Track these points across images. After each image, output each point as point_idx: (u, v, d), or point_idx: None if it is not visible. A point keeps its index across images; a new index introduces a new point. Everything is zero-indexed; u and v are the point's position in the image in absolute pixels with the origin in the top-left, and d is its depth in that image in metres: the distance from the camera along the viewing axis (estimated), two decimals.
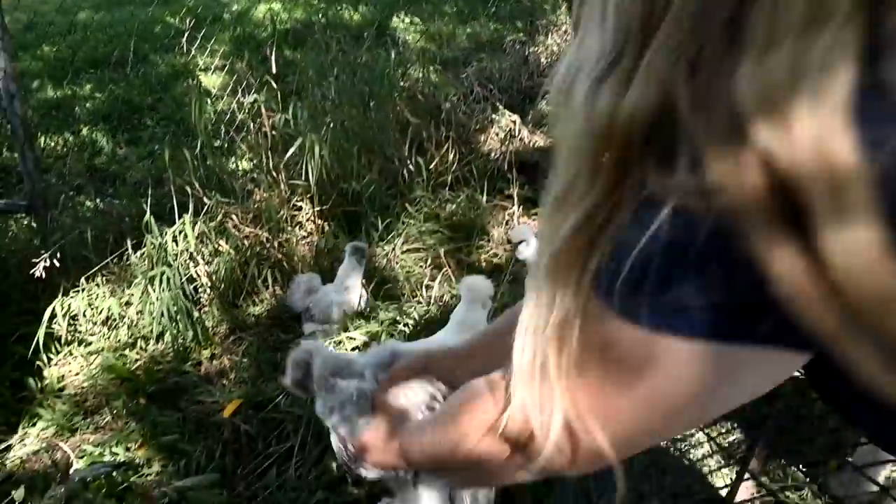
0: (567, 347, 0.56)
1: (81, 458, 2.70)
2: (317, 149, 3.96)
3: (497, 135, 4.99)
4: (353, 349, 3.12)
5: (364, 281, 3.40)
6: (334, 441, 1.29)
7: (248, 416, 2.91)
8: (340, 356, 1.29)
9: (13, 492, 2.43)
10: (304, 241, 4.06)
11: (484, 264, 3.88)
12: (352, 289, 3.31)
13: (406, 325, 3.21)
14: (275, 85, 4.32)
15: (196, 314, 3.50)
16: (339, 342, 3.13)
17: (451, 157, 4.45)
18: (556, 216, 0.55)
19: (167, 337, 3.42)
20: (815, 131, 0.35)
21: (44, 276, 3.12)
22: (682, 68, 0.42)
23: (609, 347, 0.54)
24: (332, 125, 4.15)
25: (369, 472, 1.11)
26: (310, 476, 2.60)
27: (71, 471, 1.79)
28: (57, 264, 3.26)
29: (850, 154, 0.34)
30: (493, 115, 5.13)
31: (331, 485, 2.57)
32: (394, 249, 3.86)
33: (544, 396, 0.59)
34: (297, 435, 2.75)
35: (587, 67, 0.48)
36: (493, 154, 4.83)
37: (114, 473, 1.76)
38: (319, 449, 2.70)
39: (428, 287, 3.54)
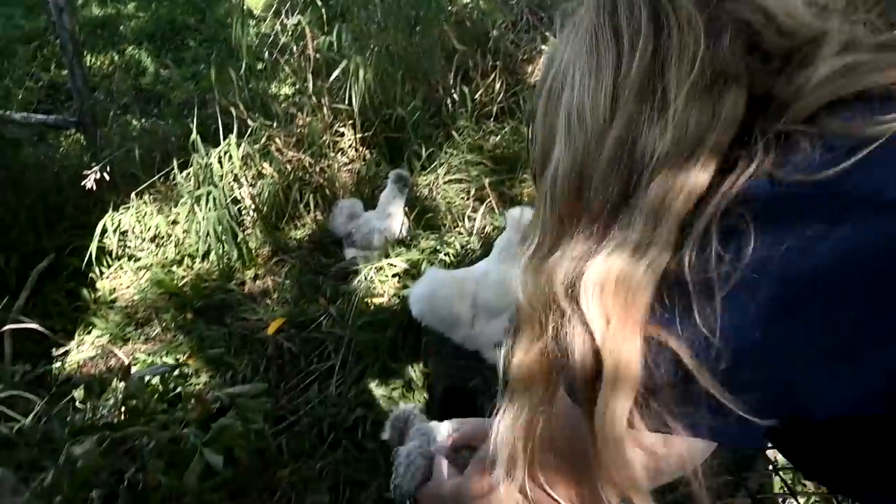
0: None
1: (135, 364, 2.83)
2: (361, 73, 3.88)
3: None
4: (393, 276, 3.14)
5: (406, 209, 3.39)
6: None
7: (290, 334, 3.00)
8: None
9: (73, 392, 2.58)
10: (345, 168, 4.04)
11: (526, 198, 3.81)
12: (394, 216, 3.30)
13: (447, 254, 3.21)
14: (319, 5, 4.21)
15: (240, 235, 3.57)
16: (380, 268, 3.16)
17: (497, 87, 4.31)
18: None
19: (212, 256, 3.50)
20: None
21: (94, 189, 3.18)
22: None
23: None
24: (376, 49, 4.04)
25: None
26: (349, 394, 2.68)
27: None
28: (107, 178, 3.32)
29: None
30: (542, 46, 4.92)
31: (369, 403, 2.65)
32: (436, 179, 3.82)
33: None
34: (338, 355, 2.83)
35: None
36: None
37: (172, 373, 1.83)
38: (359, 369, 2.77)
39: (470, 218, 3.51)
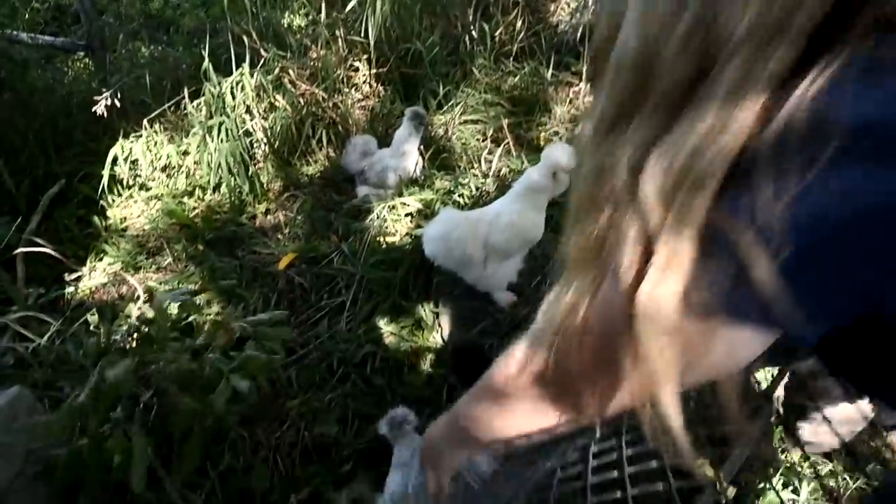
0: None
1: (152, 291, 2.84)
2: (377, 4, 3.74)
3: (568, 5, 4.62)
4: (406, 215, 3.11)
5: (421, 148, 3.33)
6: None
7: (301, 270, 3.00)
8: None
9: (87, 315, 2.61)
10: (359, 104, 3.95)
11: (543, 142, 3.74)
12: (408, 155, 3.25)
13: (461, 195, 3.17)
14: None
15: (252, 168, 3.52)
16: (393, 207, 3.13)
17: (518, 25, 4.16)
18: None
19: (224, 188, 3.47)
20: None
21: (105, 115, 3.12)
22: None
23: None
24: None
25: None
26: (359, 331, 2.70)
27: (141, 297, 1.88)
28: (117, 104, 3.26)
29: None
30: None
31: (378, 341, 2.67)
32: (452, 119, 3.73)
33: None
34: (349, 292, 2.83)
35: None
36: (562, 26, 4.50)
37: (193, 300, 1.83)
38: (370, 307, 2.78)
39: (486, 160, 3.44)
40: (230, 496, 2.11)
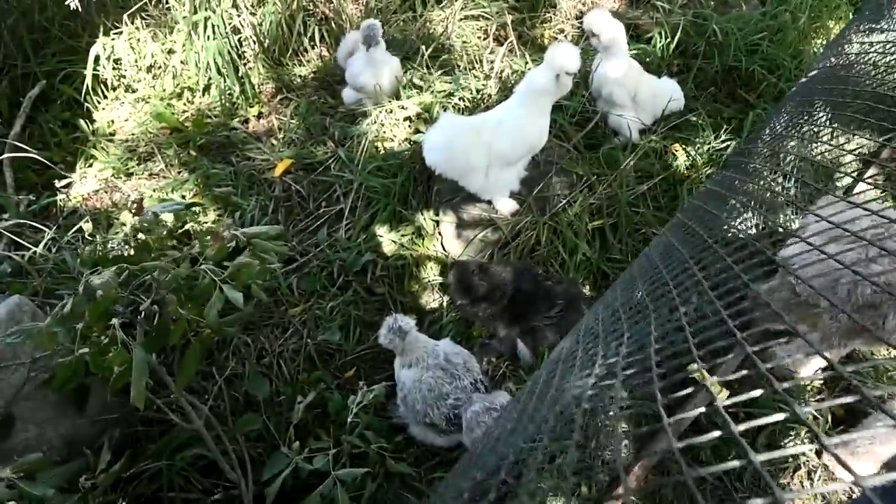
0: None
1: (140, 200, 2.78)
2: None
3: None
4: (404, 119, 2.99)
5: (399, 57, 3.12)
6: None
7: (298, 176, 2.92)
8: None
9: (81, 223, 2.56)
10: None
11: (548, 40, 3.54)
12: (379, 63, 3.02)
13: (462, 98, 3.03)
14: None
15: (242, 69, 3.35)
16: (391, 111, 3.00)
17: None
18: None
19: (213, 90, 3.32)
20: None
21: (79, 9, 2.90)
22: None
23: None
24: None
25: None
26: (359, 238, 2.67)
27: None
28: None
29: None
30: None
31: (378, 249, 2.65)
32: (451, 15, 3.50)
33: None
34: (347, 199, 2.77)
35: None
36: None
37: (188, 211, 1.78)
38: (369, 214, 2.73)
39: (487, 60, 3.27)
40: (236, 400, 2.16)
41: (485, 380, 2.05)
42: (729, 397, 0.74)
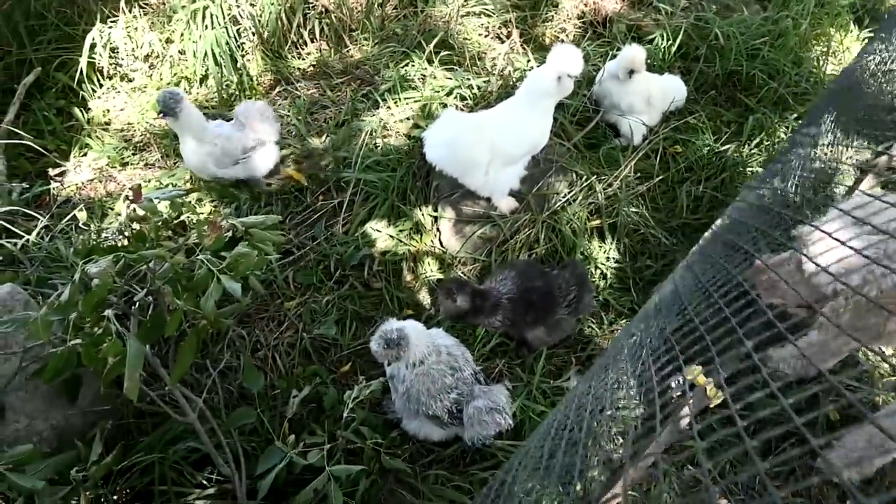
0: None
1: (138, 186, 2.75)
2: None
3: None
4: (405, 118, 2.97)
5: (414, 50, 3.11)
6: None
7: (298, 169, 2.89)
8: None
9: (76, 212, 2.52)
10: None
11: (550, 39, 3.53)
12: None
13: (462, 96, 3.01)
14: None
15: (240, 60, 3.32)
16: (389, 109, 2.97)
17: None
18: None
19: (211, 81, 3.28)
20: None
21: None
22: None
23: None
24: None
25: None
26: (357, 233, 2.65)
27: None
28: None
29: None
30: None
31: (376, 244, 2.63)
32: (454, 11, 3.48)
33: None
34: (345, 193, 2.75)
35: None
36: None
37: (185, 198, 1.75)
38: (367, 210, 2.71)
39: (486, 57, 3.25)
40: (230, 393, 2.14)
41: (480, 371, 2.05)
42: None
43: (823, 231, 0.94)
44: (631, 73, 2.86)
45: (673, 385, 1.06)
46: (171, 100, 2.44)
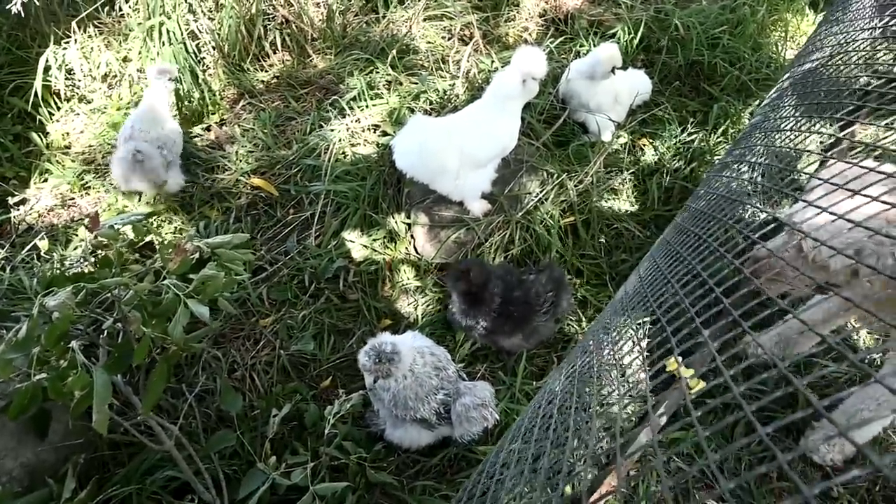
0: None
1: (96, 214, 2.68)
2: None
3: None
4: (369, 128, 2.94)
5: (380, 51, 3.09)
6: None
7: (264, 182, 2.85)
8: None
9: (37, 240, 2.45)
10: (313, 1, 3.64)
11: (513, 39, 3.53)
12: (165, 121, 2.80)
13: (428, 100, 3.00)
14: None
15: (201, 75, 3.26)
16: (357, 120, 2.94)
17: None
18: None
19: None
20: None
21: (23, 15, 2.77)
22: None
23: None
24: None
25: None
26: (330, 245, 2.61)
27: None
28: (36, 2, 2.91)
29: None
30: None
31: (350, 254, 2.60)
32: (415, 15, 3.47)
33: None
34: (316, 205, 2.71)
35: None
36: None
37: (147, 221, 1.70)
38: (339, 221, 2.68)
39: (453, 61, 3.24)
40: (208, 417, 2.09)
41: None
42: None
43: (819, 207, 0.93)
44: (613, 70, 2.88)
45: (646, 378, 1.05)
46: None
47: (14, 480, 1.74)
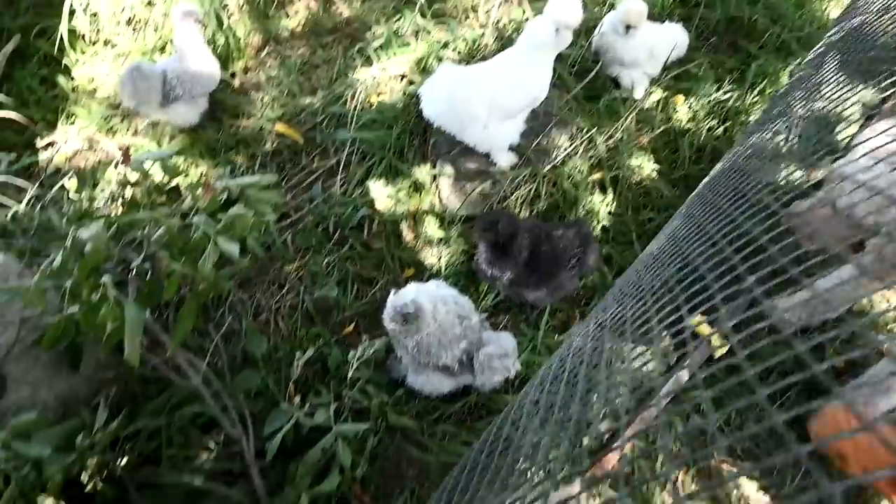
0: None
1: (127, 149, 2.69)
2: None
3: None
4: (395, 76, 2.89)
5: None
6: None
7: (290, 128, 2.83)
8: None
9: (65, 181, 2.47)
10: None
11: None
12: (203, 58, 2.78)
13: (457, 49, 2.92)
14: None
15: (225, 21, 3.21)
16: (384, 69, 2.88)
17: None
18: None
19: None
20: None
21: None
22: None
23: None
24: None
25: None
26: (355, 193, 2.60)
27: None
28: None
29: None
30: None
31: (374, 203, 2.58)
32: None
33: None
34: (342, 153, 2.69)
35: None
36: None
37: (175, 159, 1.70)
38: (364, 169, 2.66)
39: (479, 10, 3.15)
40: (233, 357, 2.12)
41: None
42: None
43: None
44: (627, 28, 2.75)
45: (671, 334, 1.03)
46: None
47: (48, 410, 1.79)
